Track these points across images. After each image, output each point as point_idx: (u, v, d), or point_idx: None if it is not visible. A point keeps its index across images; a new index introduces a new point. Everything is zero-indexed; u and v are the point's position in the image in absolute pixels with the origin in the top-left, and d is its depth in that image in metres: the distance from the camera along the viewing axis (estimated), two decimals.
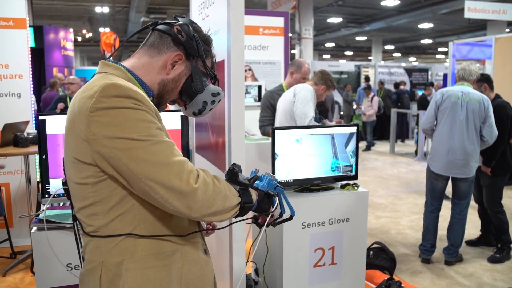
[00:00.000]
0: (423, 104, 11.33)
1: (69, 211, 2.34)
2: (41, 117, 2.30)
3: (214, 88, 1.48)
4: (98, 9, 16.26)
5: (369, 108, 11.46)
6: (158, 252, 1.32)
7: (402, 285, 3.08)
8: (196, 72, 1.42)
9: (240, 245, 2.25)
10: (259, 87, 5.63)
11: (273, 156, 2.66)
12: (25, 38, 5.07)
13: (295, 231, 2.65)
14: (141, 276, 1.31)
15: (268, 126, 4.27)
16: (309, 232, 2.68)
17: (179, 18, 1.44)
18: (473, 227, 5.09)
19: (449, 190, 4.33)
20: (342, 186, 2.84)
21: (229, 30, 2.15)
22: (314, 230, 2.69)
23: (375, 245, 3.82)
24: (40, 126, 2.29)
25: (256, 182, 1.44)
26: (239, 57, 2.17)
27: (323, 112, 8.61)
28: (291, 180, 2.71)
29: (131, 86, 1.25)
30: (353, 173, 2.84)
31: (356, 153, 2.83)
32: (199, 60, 1.43)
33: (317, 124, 3.64)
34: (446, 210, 4.55)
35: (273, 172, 2.68)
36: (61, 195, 2.48)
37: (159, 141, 1.21)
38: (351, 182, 2.85)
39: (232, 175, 1.39)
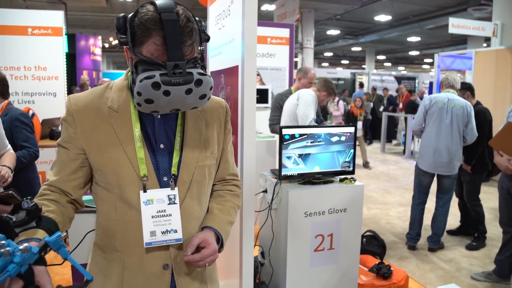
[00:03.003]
0: (412, 107, 11.25)
1: None
2: None
3: (138, 78, 1.07)
4: None
5: (335, 111, 11.24)
6: (104, 245, 1.28)
7: (391, 268, 3.06)
8: (130, 64, 1.14)
9: (249, 230, 2.23)
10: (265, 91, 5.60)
11: (280, 151, 2.64)
12: (61, 44, 5.10)
13: (298, 219, 2.63)
14: (92, 258, 1.33)
15: (277, 125, 4.26)
16: (311, 221, 2.66)
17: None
18: (453, 218, 5.06)
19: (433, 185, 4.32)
20: (341, 180, 2.82)
21: (243, 39, 2.13)
22: (315, 218, 2.67)
23: (367, 233, 3.79)
24: None
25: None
26: (252, 63, 2.15)
27: (324, 114, 8.97)
28: (296, 174, 2.70)
29: (79, 94, 1.26)
30: (351, 168, 2.83)
31: (354, 151, 2.81)
32: (132, 50, 1.11)
33: (316, 124, 3.63)
34: (430, 203, 4.53)
35: (280, 165, 2.66)
36: None
37: (56, 156, 1.27)
38: (348, 176, 2.84)
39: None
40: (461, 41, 17.99)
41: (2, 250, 0.87)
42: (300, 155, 2.67)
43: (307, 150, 2.68)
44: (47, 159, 4.85)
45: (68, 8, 12.16)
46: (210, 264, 1.23)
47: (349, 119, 9.66)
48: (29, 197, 1.06)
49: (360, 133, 8.93)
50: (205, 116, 1.33)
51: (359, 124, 9.35)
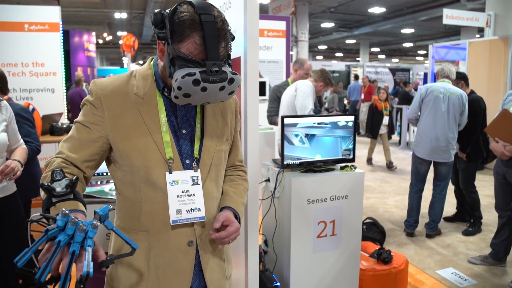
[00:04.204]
0: (406, 98, 11.35)
1: (105, 187, 2.41)
2: None
3: (178, 73, 1.15)
4: (117, 15, 16.20)
5: None
6: (128, 227, 1.33)
7: (391, 253, 3.13)
8: (166, 58, 1.21)
9: (254, 219, 2.29)
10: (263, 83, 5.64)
11: (282, 140, 2.70)
12: (58, 40, 5.12)
13: (301, 206, 2.69)
14: (115, 240, 1.38)
15: (275, 116, 4.32)
16: (313, 207, 2.72)
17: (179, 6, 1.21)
18: (449, 205, 5.17)
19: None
20: (342, 168, 2.88)
21: (246, 32, 2.16)
22: (317, 205, 2.73)
23: (367, 220, 3.88)
24: None
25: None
26: (254, 54, 2.18)
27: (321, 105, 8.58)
28: (297, 163, 2.76)
29: (104, 79, 1.32)
30: (351, 156, 2.89)
31: (354, 140, 2.87)
32: (171, 45, 1.18)
33: (315, 114, 3.69)
34: (426, 192, 4.62)
35: (282, 154, 2.71)
36: (100, 173, 2.54)
37: (72, 132, 1.30)
38: (349, 164, 2.90)
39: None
40: (454, 32, 18.10)
41: (78, 226, 0.97)
42: (306, 135, 2.74)
43: (313, 131, 2.75)
44: (47, 155, 4.86)
45: (61, 4, 12.11)
46: (233, 240, 1.33)
47: (373, 113, 8.28)
48: (59, 169, 1.14)
49: (384, 130, 8.13)
50: (220, 105, 1.43)
51: (385, 120, 8.11)
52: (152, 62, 1.36)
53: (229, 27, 1.23)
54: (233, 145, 1.52)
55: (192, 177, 1.32)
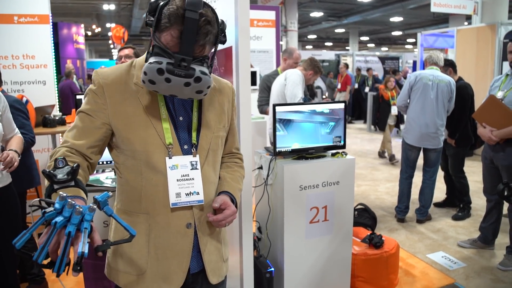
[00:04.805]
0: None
1: (101, 176, 2.44)
2: (78, 96, 2.38)
3: (150, 59, 1.21)
4: (105, 6, 16.02)
5: None
6: (129, 209, 1.38)
7: (382, 238, 3.19)
8: (149, 45, 1.26)
9: (248, 206, 2.32)
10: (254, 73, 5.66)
11: (274, 128, 2.73)
12: (48, 32, 5.09)
13: (294, 193, 2.73)
14: (115, 223, 1.42)
15: (265, 105, 4.35)
16: (305, 193, 2.76)
17: None
18: (439, 191, 5.25)
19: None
20: (333, 154, 2.92)
21: (237, 23, 2.17)
22: (309, 191, 2.77)
23: (359, 206, 3.94)
24: (78, 103, 2.36)
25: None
26: (246, 44, 2.20)
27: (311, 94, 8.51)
28: (290, 150, 2.80)
29: (105, 69, 1.36)
30: (342, 143, 2.93)
31: (344, 126, 2.91)
32: (155, 34, 1.23)
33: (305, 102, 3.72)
34: (416, 178, 4.70)
35: (274, 142, 2.75)
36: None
37: (76, 122, 1.34)
38: (340, 151, 2.94)
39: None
40: (442, 20, 18.18)
41: (75, 209, 0.99)
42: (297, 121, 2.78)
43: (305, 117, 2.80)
44: (40, 147, 4.87)
45: None
46: (229, 223, 1.38)
47: (379, 104, 7.90)
48: (62, 157, 1.17)
49: (393, 121, 7.73)
50: (217, 94, 1.48)
51: (393, 110, 7.56)
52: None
53: (223, 29, 1.26)
54: (229, 132, 1.55)
55: (191, 162, 1.37)
